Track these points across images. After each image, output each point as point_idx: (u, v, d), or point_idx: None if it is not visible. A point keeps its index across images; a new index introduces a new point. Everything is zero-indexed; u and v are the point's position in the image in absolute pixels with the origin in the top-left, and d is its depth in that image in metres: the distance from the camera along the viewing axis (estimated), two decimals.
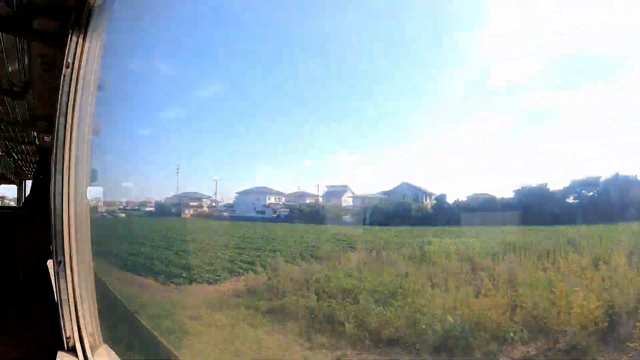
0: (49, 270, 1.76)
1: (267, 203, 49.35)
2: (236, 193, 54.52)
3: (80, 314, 1.71)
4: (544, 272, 6.34)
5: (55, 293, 1.73)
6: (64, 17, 1.70)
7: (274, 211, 47.57)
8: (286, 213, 42.49)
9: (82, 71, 1.68)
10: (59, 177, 1.68)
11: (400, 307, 5.97)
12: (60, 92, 1.68)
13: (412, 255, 9.57)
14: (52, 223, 1.69)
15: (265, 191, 50.42)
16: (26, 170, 11.42)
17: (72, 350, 1.70)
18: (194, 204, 65.56)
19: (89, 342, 1.73)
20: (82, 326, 1.71)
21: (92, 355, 1.72)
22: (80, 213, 1.73)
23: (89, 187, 1.79)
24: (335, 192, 44.20)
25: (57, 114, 1.69)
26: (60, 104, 1.68)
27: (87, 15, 1.65)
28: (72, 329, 1.70)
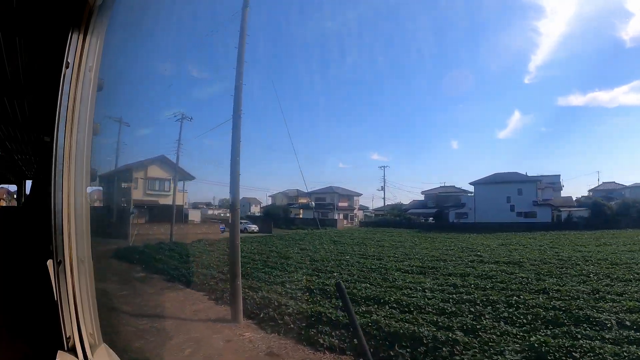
0: (49, 270, 1.76)
1: (539, 198, 29.89)
2: (470, 184, 36.49)
3: (80, 314, 1.71)
4: None
5: (55, 293, 1.73)
6: (64, 17, 1.70)
7: (555, 210, 27.57)
8: (583, 214, 26.82)
9: (82, 71, 1.68)
10: (59, 177, 1.68)
11: None
12: (60, 92, 1.68)
13: None
14: (52, 223, 1.68)
15: (520, 179, 31.06)
16: (26, 170, 11.42)
17: (72, 350, 1.70)
18: (344, 204, 46.57)
19: (89, 342, 1.73)
20: (82, 326, 1.71)
21: (92, 355, 1.72)
22: (80, 213, 1.73)
23: (89, 187, 1.79)
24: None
25: (57, 114, 1.68)
26: (60, 104, 1.68)
27: (87, 14, 1.65)
28: (72, 329, 1.70)
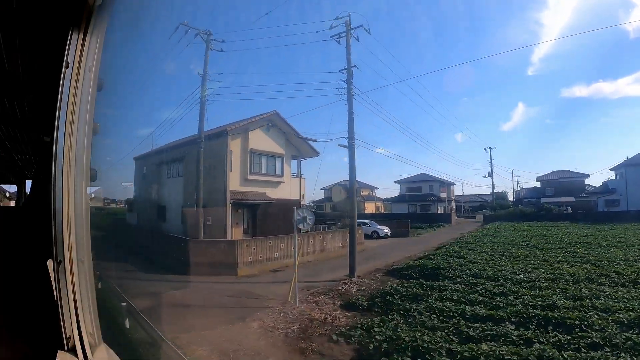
0: (49, 270, 1.76)
1: None
2: (614, 169, 30.46)
3: (80, 314, 1.71)
4: None
5: (55, 293, 1.73)
6: (64, 17, 1.70)
7: None
8: None
9: (81, 71, 1.68)
10: (59, 177, 1.68)
11: None
12: (60, 92, 1.68)
13: None
14: (52, 223, 1.68)
15: None
16: (26, 170, 11.42)
17: (72, 350, 1.70)
18: (442, 195, 37.28)
19: (89, 341, 1.73)
20: (82, 326, 1.71)
21: (92, 355, 1.72)
22: (80, 213, 1.73)
23: (89, 187, 1.79)
24: None
25: (57, 114, 1.68)
26: (60, 104, 1.68)
27: (87, 14, 1.65)
28: (72, 329, 1.70)
